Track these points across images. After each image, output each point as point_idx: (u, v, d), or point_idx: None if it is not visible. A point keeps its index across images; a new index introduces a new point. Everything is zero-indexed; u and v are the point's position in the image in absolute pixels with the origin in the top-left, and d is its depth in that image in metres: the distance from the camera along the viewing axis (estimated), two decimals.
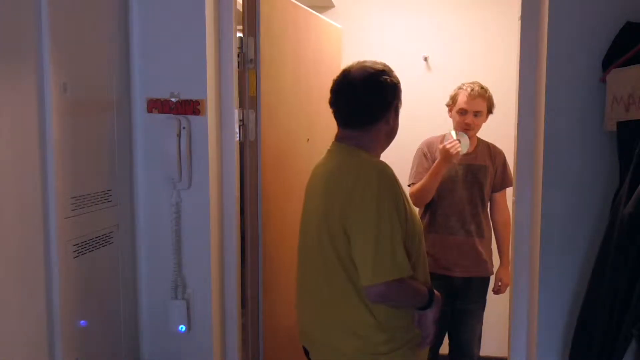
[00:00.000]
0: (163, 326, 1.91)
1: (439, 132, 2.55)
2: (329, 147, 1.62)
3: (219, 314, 1.94)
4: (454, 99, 2.51)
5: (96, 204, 1.66)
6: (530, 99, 1.79)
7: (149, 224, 1.90)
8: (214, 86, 1.87)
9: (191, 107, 1.82)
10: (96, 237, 1.66)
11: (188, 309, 1.89)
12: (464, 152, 2.41)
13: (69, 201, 1.52)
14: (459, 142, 2.37)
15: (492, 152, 2.56)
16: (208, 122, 1.83)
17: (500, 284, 2.59)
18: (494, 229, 2.60)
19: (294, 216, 1.70)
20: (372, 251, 1.37)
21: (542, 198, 1.69)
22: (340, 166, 1.50)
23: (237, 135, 1.97)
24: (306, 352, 1.62)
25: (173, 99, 1.83)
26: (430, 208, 2.52)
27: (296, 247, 1.65)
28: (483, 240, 2.52)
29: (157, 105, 1.84)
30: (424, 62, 3.26)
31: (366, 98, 1.51)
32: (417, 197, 2.45)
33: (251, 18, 2.04)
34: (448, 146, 2.33)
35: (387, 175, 1.44)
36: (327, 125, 1.93)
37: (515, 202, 1.84)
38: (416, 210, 2.24)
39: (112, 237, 1.74)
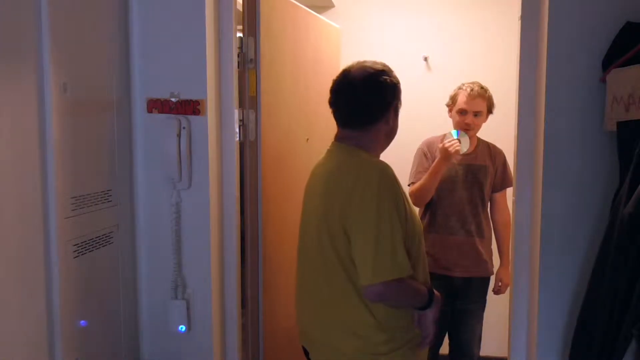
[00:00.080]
0: (163, 326, 1.91)
1: (439, 132, 2.55)
2: (328, 147, 1.62)
3: (219, 314, 1.94)
4: (453, 99, 2.51)
5: (96, 204, 1.66)
6: (530, 99, 1.79)
7: (149, 224, 1.90)
8: (214, 86, 1.87)
9: (191, 107, 1.82)
10: (96, 237, 1.66)
11: (188, 309, 1.89)
12: (464, 151, 2.41)
13: (69, 201, 1.52)
14: (459, 141, 2.37)
15: (492, 152, 2.56)
16: (208, 122, 1.83)
17: (500, 284, 2.59)
18: (494, 229, 2.60)
19: (294, 216, 1.70)
20: (372, 251, 1.37)
21: (542, 198, 1.69)
22: (340, 166, 1.50)
23: (237, 135, 1.97)
24: (306, 352, 1.62)
25: (173, 99, 1.83)
26: (430, 208, 2.52)
27: (296, 247, 1.65)
28: (483, 241, 2.52)
29: (157, 105, 1.84)
30: (424, 62, 3.26)
31: (366, 98, 1.51)
32: (416, 196, 2.45)
33: (251, 18, 2.04)
34: (447, 145, 2.34)
35: (387, 175, 1.44)
36: (326, 126, 1.93)
37: (515, 202, 1.84)
38: (416, 210, 2.24)
39: (112, 237, 1.74)
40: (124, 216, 1.83)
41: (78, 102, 1.58)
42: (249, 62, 2.03)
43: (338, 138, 1.59)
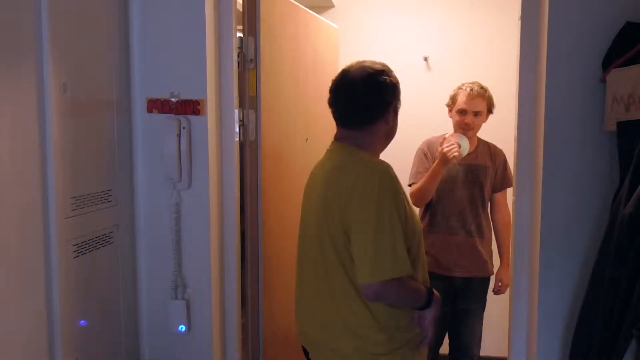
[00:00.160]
0: (163, 326, 1.91)
1: (439, 132, 2.55)
2: (328, 147, 1.62)
3: (219, 314, 1.94)
4: (453, 99, 2.51)
5: (96, 204, 1.66)
6: (530, 99, 1.79)
7: (149, 224, 1.90)
8: (214, 86, 1.87)
9: (191, 107, 1.82)
10: (96, 237, 1.66)
11: (188, 309, 1.89)
12: (463, 155, 2.40)
13: (69, 201, 1.52)
14: (459, 145, 2.36)
15: (492, 152, 2.56)
16: (208, 122, 1.83)
17: (500, 284, 2.59)
18: (494, 229, 2.60)
19: (294, 216, 1.70)
20: (371, 250, 1.37)
21: (542, 198, 1.69)
22: (340, 166, 1.50)
23: (237, 135, 1.97)
24: (305, 352, 1.62)
25: (173, 99, 1.83)
26: (430, 208, 2.52)
27: (296, 247, 1.65)
28: (483, 241, 2.52)
29: (157, 105, 1.84)
30: (424, 62, 3.26)
31: (365, 98, 1.51)
32: (416, 197, 2.45)
33: (251, 18, 2.04)
34: (446, 149, 2.33)
35: (387, 174, 1.44)
36: (325, 126, 1.93)
37: (515, 202, 1.84)
38: (416, 210, 2.24)
39: (112, 237, 1.74)
40: (124, 216, 1.83)
41: (78, 102, 1.58)
42: (249, 62, 2.03)
43: (338, 138, 1.58)
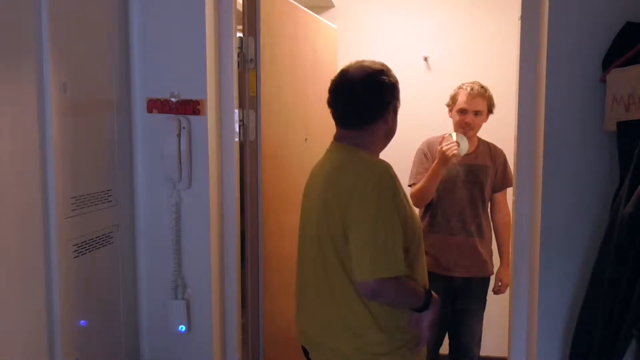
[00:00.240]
0: (163, 326, 1.91)
1: (439, 132, 2.55)
2: (327, 147, 1.62)
3: (219, 314, 1.94)
4: (454, 99, 2.51)
5: (96, 204, 1.66)
6: (530, 99, 1.79)
7: (149, 224, 1.90)
8: (214, 86, 1.87)
9: (191, 107, 1.82)
10: (96, 237, 1.66)
11: (188, 309, 1.89)
12: (463, 154, 2.41)
13: (69, 201, 1.52)
14: (458, 144, 2.36)
15: (492, 152, 2.56)
16: (208, 122, 1.83)
17: (500, 284, 2.59)
18: (494, 229, 2.60)
19: (294, 216, 1.70)
20: (368, 247, 1.37)
21: (542, 198, 1.69)
22: (339, 166, 1.50)
23: (237, 135, 1.97)
24: (305, 352, 1.62)
25: (173, 99, 1.83)
26: (430, 208, 2.52)
27: (296, 247, 1.65)
28: (483, 241, 2.52)
29: (157, 105, 1.84)
30: (424, 62, 3.26)
31: (365, 98, 1.51)
32: (416, 197, 2.45)
33: (251, 18, 2.04)
34: (445, 148, 2.33)
35: (387, 174, 1.44)
36: (324, 126, 1.93)
37: (515, 202, 1.84)
38: (416, 210, 2.24)
39: (112, 237, 1.74)
40: (124, 216, 1.83)
41: (78, 102, 1.58)
42: (249, 62, 2.03)
43: (337, 138, 1.58)
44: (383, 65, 1.56)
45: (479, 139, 2.55)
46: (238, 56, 1.97)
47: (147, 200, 1.90)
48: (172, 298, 1.89)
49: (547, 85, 1.67)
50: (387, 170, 1.45)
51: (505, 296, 2.41)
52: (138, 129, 1.87)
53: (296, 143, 2.40)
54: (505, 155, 2.57)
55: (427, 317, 1.48)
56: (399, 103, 1.57)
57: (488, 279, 2.59)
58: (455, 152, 2.33)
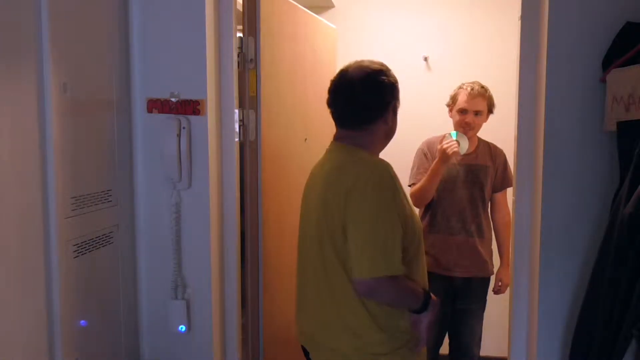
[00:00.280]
0: (163, 326, 1.91)
1: (439, 132, 2.55)
2: (327, 147, 1.62)
3: (219, 314, 1.94)
4: (454, 99, 2.51)
5: (96, 204, 1.66)
6: (530, 99, 1.79)
7: (149, 224, 1.90)
8: (214, 86, 1.87)
9: (191, 107, 1.82)
10: (96, 237, 1.66)
11: (188, 309, 1.89)
12: (463, 152, 2.41)
13: (69, 201, 1.52)
14: (458, 142, 2.36)
15: (492, 152, 2.56)
16: (208, 122, 1.83)
17: (500, 284, 2.59)
18: (494, 229, 2.60)
19: (294, 216, 1.70)
20: (366, 246, 1.37)
21: (542, 198, 1.69)
22: (339, 166, 1.50)
23: (237, 135, 1.97)
24: (305, 352, 1.62)
25: (173, 99, 1.83)
26: (430, 208, 2.52)
27: (296, 247, 1.65)
28: (483, 241, 2.52)
29: (157, 105, 1.84)
30: (424, 62, 3.26)
31: (364, 98, 1.51)
32: (417, 197, 2.45)
33: (251, 18, 2.04)
34: (445, 146, 2.33)
35: (387, 174, 1.44)
36: (323, 126, 1.93)
37: (515, 202, 1.84)
38: (416, 210, 2.24)
39: (112, 237, 1.74)
40: (124, 216, 1.83)
41: (78, 102, 1.58)
42: (249, 62, 2.03)
43: (337, 138, 1.58)
44: (382, 65, 1.55)
45: (479, 139, 2.55)
46: (238, 56, 1.97)
47: (147, 200, 1.90)
48: (172, 298, 1.89)
49: (547, 85, 1.67)
50: (387, 170, 1.45)
51: (505, 296, 2.41)
52: (138, 129, 1.87)
53: (296, 143, 2.40)
54: (505, 155, 2.57)
55: (426, 318, 1.48)
56: (399, 103, 1.57)
57: (488, 279, 2.59)
58: (455, 149, 2.34)
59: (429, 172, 2.41)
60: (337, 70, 1.59)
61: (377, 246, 1.37)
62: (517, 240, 1.85)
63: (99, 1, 1.70)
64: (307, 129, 2.46)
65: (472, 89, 2.44)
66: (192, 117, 1.83)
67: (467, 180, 2.48)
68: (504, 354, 2.06)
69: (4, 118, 1.30)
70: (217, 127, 1.91)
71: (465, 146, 2.40)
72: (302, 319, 1.62)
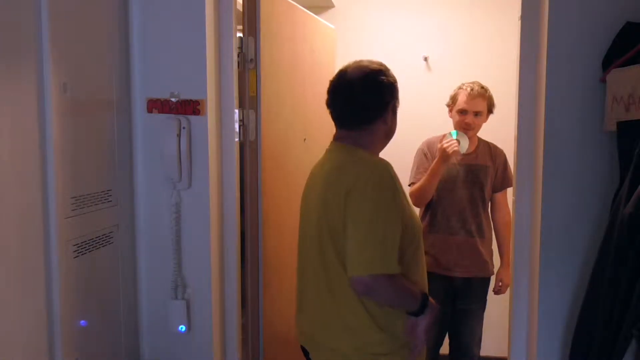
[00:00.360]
0: (163, 326, 1.91)
1: (439, 132, 2.55)
2: (326, 147, 1.62)
3: (219, 314, 1.94)
4: (453, 99, 2.51)
5: (96, 204, 1.66)
6: (530, 99, 1.79)
7: (149, 224, 1.90)
8: (214, 86, 1.87)
9: (191, 107, 1.82)
10: (96, 237, 1.66)
11: (188, 309, 1.89)
12: (463, 152, 2.41)
13: (69, 201, 1.52)
14: (458, 142, 2.36)
15: (492, 152, 2.56)
16: (208, 122, 1.83)
17: (501, 284, 2.59)
18: (494, 229, 2.60)
19: (294, 216, 1.70)
20: (365, 244, 1.37)
21: (542, 198, 1.69)
22: (339, 166, 1.50)
23: (237, 135, 1.97)
24: (305, 353, 1.62)
25: (173, 99, 1.83)
26: (430, 208, 2.52)
27: (296, 246, 1.65)
28: (484, 241, 2.52)
29: (157, 105, 1.84)
30: (424, 62, 3.26)
31: (363, 98, 1.51)
32: (416, 196, 2.45)
33: (251, 18, 2.04)
34: (445, 145, 2.33)
35: (387, 173, 1.44)
36: (322, 127, 1.93)
37: (515, 202, 1.84)
38: (416, 210, 2.24)
39: (112, 237, 1.74)
40: (124, 216, 1.83)
41: (78, 102, 1.58)
42: (249, 62, 2.03)
43: (337, 138, 1.58)
44: (381, 64, 1.55)
45: (479, 139, 2.56)
46: (238, 56, 1.97)
47: (147, 200, 1.90)
48: (172, 298, 1.89)
49: (547, 85, 1.67)
50: (387, 170, 1.45)
51: (505, 296, 2.41)
52: (138, 129, 1.87)
53: (296, 143, 2.40)
54: (505, 155, 2.57)
55: (423, 321, 1.46)
56: (398, 103, 1.57)
57: (488, 279, 2.59)
58: (455, 148, 2.34)
59: (428, 172, 2.41)
60: (336, 70, 1.59)
61: (376, 245, 1.37)
62: (517, 240, 1.85)
63: (99, 1, 1.70)
64: (306, 129, 2.46)
65: (471, 90, 2.44)
66: (192, 117, 1.83)
67: (467, 180, 2.48)
68: (504, 354, 2.06)
69: (4, 118, 1.30)
70: (217, 127, 1.91)
71: (465, 145, 2.40)
72: (302, 319, 1.62)
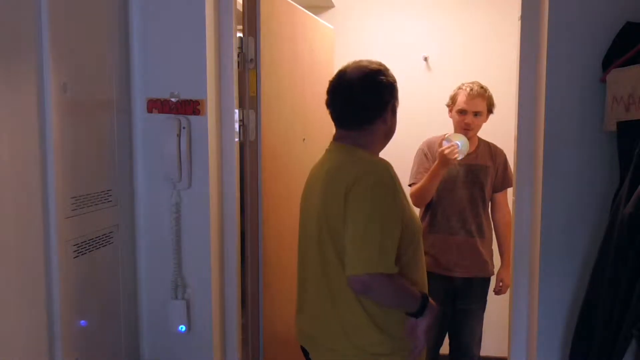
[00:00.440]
0: (163, 326, 1.91)
1: (439, 132, 2.55)
2: (326, 147, 1.62)
3: (219, 314, 1.94)
4: (453, 99, 2.51)
5: (96, 204, 1.66)
6: (530, 99, 1.79)
7: (149, 224, 1.90)
8: (214, 86, 1.87)
9: (191, 107, 1.82)
10: (96, 237, 1.66)
11: (188, 309, 1.89)
12: (463, 155, 2.40)
13: (69, 201, 1.52)
14: (458, 145, 2.36)
15: (492, 152, 2.56)
16: (208, 122, 1.83)
17: (501, 284, 2.59)
18: (495, 229, 2.60)
19: (294, 216, 1.70)
20: (364, 243, 1.37)
21: (542, 198, 1.69)
22: (339, 166, 1.50)
23: (237, 135, 1.97)
24: (305, 353, 1.62)
25: (173, 99, 1.83)
26: (431, 208, 2.52)
27: (296, 247, 1.65)
28: (484, 241, 2.52)
29: (157, 105, 1.84)
30: (424, 62, 3.26)
31: (363, 98, 1.51)
32: (416, 197, 2.45)
33: (251, 18, 2.04)
34: (446, 151, 2.33)
35: (387, 173, 1.44)
36: (321, 127, 1.93)
37: (515, 202, 1.84)
38: (416, 210, 2.24)
39: (112, 237, 1.74)
40: (124, 216, 1.83)
41: (78, 102, 1.58)
42: (249, 62, 2.03)
43: (336, 138, 1.58)
44: (381, 64, 1.55)
45: (479, 139, 2.55)
46: (238, 56, 1.97)
47: (147, 200, 1.90)
48: (172, 298, 1.89)
49: (547, 85, 1.67)
50: (387, 170, 1.45)
51: (505, 296, 2.42)
52: (138, 129, 1.87)
53: (296, 143, 2.40)
54: (505, 155, 2.57)
55: (423, 322, 1.46)
56: (398, 102, 1.57)
57: (488, 279, 2.59)
58: (456, 154, 2.33)
59: (429, 173, 2.41)
60: (335, 70, 1.59)
61: (374, 244, 1.37)
62: (517, 240, 1.85)
63: (99, 1, 1.70)
64: (305, 129, 2.46)
65: (471, 90, 2.44)
66: (192, 117, 1.83)
67: (467, 180, 2.48)
68: (504, 354, 2.06)
69: (4, 118, 1.30)
70: (217, 127, 1.91)
71: (465, 150, 2.39)
72: (301, 319, 1.62)
